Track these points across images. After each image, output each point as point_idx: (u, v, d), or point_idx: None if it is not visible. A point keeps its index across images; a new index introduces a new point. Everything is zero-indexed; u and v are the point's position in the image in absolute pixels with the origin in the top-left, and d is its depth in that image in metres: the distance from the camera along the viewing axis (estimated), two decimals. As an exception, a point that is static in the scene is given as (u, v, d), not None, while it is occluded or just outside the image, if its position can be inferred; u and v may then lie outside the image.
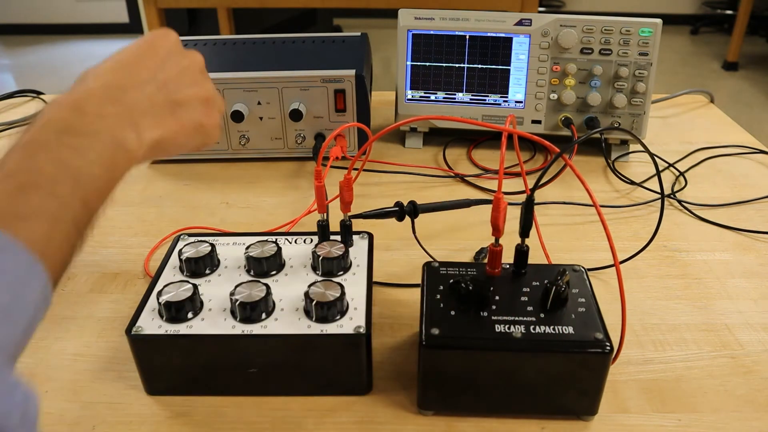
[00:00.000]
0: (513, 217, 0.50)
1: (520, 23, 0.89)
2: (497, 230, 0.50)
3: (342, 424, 0.50)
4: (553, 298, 0.48)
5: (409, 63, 0.94)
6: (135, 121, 0.39)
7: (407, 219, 0.64)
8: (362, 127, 0.66)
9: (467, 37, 0.91)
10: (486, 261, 0.53)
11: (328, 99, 0.88)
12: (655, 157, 0.91)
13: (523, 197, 0.51)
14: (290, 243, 0.60)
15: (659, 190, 0.83)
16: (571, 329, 0.47)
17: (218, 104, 0.50)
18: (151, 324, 0.50)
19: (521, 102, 0.93)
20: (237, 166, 0.92)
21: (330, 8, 3.59)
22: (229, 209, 0.82)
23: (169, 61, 0.45)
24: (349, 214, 0.59)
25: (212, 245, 0.57)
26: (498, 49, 0.91)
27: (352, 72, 0.87)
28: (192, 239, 0.61)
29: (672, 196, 0.84)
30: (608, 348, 0.46)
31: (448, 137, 1.01)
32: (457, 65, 0.93)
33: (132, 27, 4.50)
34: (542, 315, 0.48)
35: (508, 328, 0.47)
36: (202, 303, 0.52)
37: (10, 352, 0.28)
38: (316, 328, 0.49)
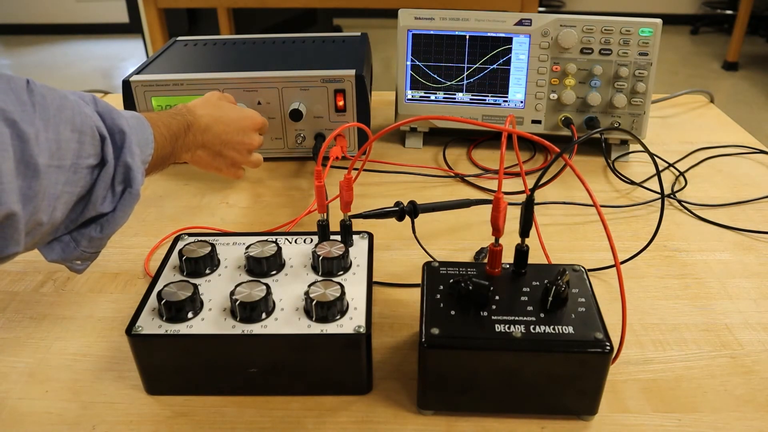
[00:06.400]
0: (513, 217, 0.50)
1: (520, 23, 0.89)
2: (497, 230, 0.50)
3: (342, 424, 0.50)
4: (553, 297, 0.48)
5: (409, 63, 0.94)
6: (194, 148, 0.70)
7: (407, 219, 0.64)
8: (362, 127, 0.66)
9: (467, 37, 0.91)
10: (486, 261, 0.53)
11: (328, 99, 0.88)
12: (655, 157, 0.91)
13: (523, 197, 0.51)
14: (290, 243, 0.61)
15: (659, 190, 0.83)
16: (571, 329, 0.47)
17: (256, 148, 0.79)
18: (151, 324, 0.50)
19: (521, 102, 0.93)
20: (237, 166, 0.92)
21: (330, 8, 3.59)
22: (229, 209, 0.82)
23: (236, 127, 0.75)
24: (349, 214, 0.59)
25: (212, 245, 0.57)
26: (498, 49, 0.91)
27: (352, 72, 0.87)
28: (192, 239, 0.61)
29: (672, 196, 0.84)
30: (608, 348, 0.46)
31: (448, 137, 1.01)
32: (457, 65, 0.93)
33: (132, 27, 4.50)
34: (542, 315, 0.48)
35: (508, 328, 0.47)
36: (202, 303, 0.52)
37: (140, 144, 0.52)
38: (316, 328, 0.49)
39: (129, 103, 0.88)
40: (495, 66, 0.92)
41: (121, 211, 0.50)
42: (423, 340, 0.47)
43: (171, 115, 0.65)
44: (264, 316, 0.50)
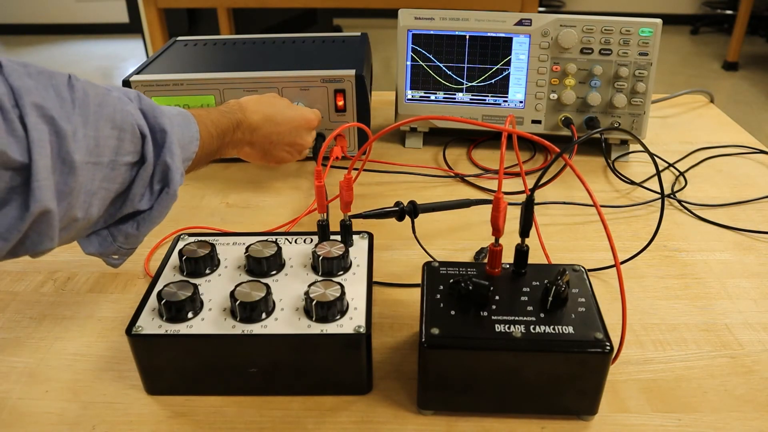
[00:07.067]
0: (513, 217, 0.50)
1: (520, 23, 0.89)
2: (497, 230, 0.50)
3: (342, 424, 0.50)
4: (553, 297, 0.48)
5: (409, 63, 0.94)
6: (242, 146, 0.70)
7: (407, 219, 0.64)
8: (362, 127, 0.66)
9: (467, 37, 0.91)
10: (486, 261, 0.53)
11: (328, 99, 0.88)
12: (655, 157, 0.91)
13: (523, 197, 0.51)
14: (290, 243, 0.61)
15: (659, 190, 0.83)
16: (571, 329, 0.47)
17: (306, 147, 0.79)
18: (151, 324, 0.50)
19: (521, 102, 0.93)
20: (237, 166, 0.92)
21: (330, 8, 3.59)
22: (229, 209, 0.82)
23: (288, 128, 0.74)
24: (349, 214, 0.59)
25: (212, 245, 0.57)
26: (498, 49, 0.91)
27: (352, 72, 0.87)
28: (192, 239, 0.61)
29: (672, 196, 0.84)
30: (608, 348, 0.46)
31: (448, 137, 1.01)
32: (457, 65, 0.93)
33: (132, 27, 4.50)
34: (542, 315, 0.48)
35: (508, 328, 0.47)
36: (202, 303, 0.52)
37: (184, 144, 0.53)
38: (316, 328, 0.49)
39: (129, 103, 0.88)
40: (495, 66, 0.92)
41: (157, 210, 0.50)
42: (423, 340, 0.47)
43: (221, 112, 0.65)
44: (264, 316, 0.50)
